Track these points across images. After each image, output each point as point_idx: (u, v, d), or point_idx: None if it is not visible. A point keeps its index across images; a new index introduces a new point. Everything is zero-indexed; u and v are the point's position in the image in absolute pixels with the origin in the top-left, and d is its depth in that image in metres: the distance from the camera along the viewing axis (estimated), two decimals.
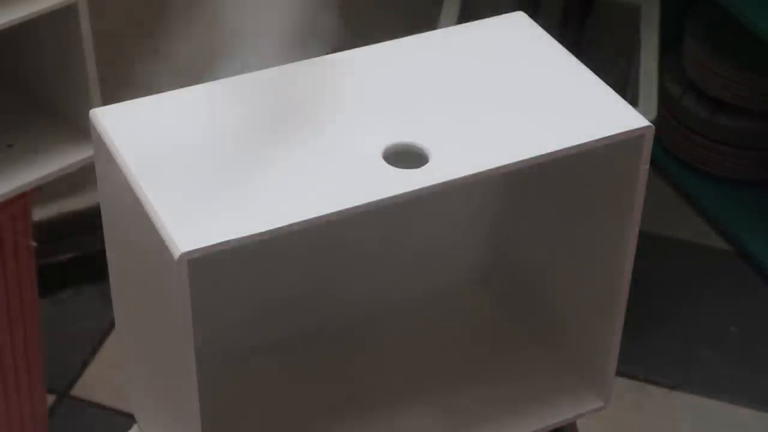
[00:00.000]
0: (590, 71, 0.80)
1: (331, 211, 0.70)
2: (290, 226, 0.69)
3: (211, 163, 0.73)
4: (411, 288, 0.92)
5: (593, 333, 0.85)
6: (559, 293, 0.88)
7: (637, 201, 0.78)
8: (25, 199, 1.31)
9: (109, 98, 0.99)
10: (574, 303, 0.86)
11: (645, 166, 0.77)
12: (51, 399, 1.83)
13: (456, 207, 0.91)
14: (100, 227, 0.80)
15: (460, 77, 0.80)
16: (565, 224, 0.86)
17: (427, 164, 0.73)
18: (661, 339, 1.98)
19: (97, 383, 1.89)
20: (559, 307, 0.88)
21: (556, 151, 0.74)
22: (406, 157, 0.74)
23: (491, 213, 0.92)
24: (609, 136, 0.75)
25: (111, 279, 0.82)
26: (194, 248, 0.67)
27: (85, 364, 1.92)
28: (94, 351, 1.94)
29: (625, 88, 1.78)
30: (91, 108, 0.81)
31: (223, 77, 0.79)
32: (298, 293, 0.89)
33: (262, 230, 0.68)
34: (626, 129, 0.75)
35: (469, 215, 0.92)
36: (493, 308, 0.93)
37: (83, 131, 1.26)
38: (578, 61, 0.81)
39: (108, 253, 0.81)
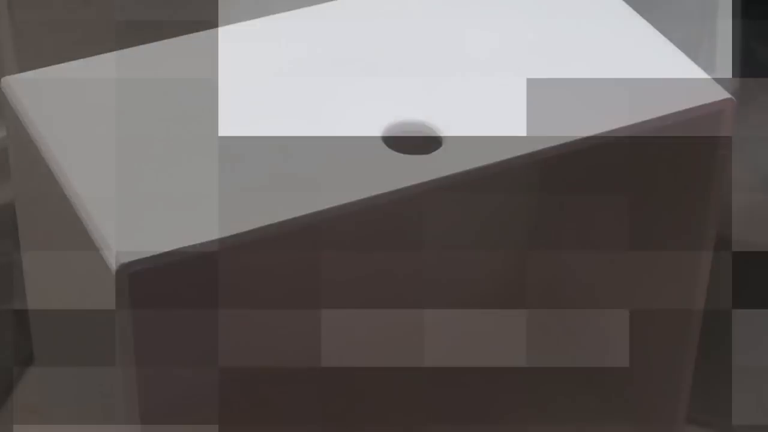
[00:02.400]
0: (660, 34, 0.73)
1: (326, 207, 0.60)
2: (264, 228, 0.59)
3: (162, 147, 0.63)
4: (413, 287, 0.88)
5: (657, 373, 0.78)
6: (611, 316, 0.80)
7: (714, 195, 0.70)
8: None
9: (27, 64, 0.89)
10: (630, 329, 0.79)
11: (725, 148, 0.69)
12: None
13: (474, 202, 0.84)
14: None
15: (500, 38, 0.71)
16: (619, 226, 0.78)
17: (440, 149, 0.65)
18: None
19: None
20: (611, 335, 0.81)
21: (612, 131, 0.65)
22: (413, 140, 0.66)
23: (522, 210, 0.86)
24: (680, 112, 0.67)
25: (29, 299, 0.72)
26: (138, 258, 0.57)
27: None
28: None
29: (697, 53, 1.75)
30: (2, 76, 0.72)
31: None
32: (297, 293, 0.84)
33: (230, 234, 0.58)
34: (702, 103, 0.67)
35: (493, 212, 0.86)
36: (526, 332, 0.86)
37: None
38: (646, 23, 0.74)
39: (24, 266, 0.72)
